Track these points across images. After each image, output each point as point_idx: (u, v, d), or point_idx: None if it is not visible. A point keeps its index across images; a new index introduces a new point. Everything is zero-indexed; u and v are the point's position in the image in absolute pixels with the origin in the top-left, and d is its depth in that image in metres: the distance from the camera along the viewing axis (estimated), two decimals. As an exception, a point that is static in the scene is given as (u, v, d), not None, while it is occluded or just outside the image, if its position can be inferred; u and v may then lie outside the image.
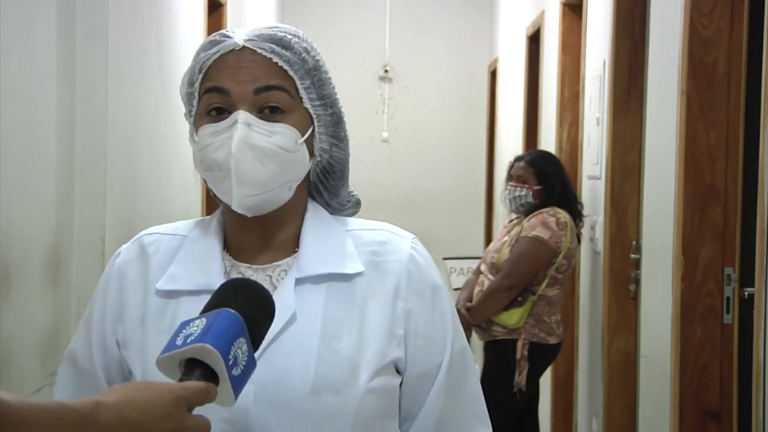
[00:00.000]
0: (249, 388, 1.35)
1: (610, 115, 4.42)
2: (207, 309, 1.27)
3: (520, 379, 4.39)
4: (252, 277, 1.46)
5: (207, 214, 6.16)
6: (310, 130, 1.46)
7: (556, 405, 5.53)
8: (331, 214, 1.54)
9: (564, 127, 5.60)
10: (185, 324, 1.24)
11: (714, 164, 3.33)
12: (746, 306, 3.12)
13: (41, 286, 3.15)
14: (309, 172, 1.50)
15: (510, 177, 4.67)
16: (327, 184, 1.53)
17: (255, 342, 1.27)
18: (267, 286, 1.44)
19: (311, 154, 1.48)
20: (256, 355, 1.34)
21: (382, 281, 1.46)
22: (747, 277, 3.14)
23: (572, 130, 5.52)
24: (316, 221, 1.50)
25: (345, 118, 1.53)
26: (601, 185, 4.60)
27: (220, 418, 1.36)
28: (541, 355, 4.49)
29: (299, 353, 1.40)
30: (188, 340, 1.21)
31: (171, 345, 1.22)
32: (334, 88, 1.49)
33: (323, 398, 1.38)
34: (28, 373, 3.02)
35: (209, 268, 1.47)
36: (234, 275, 1.47)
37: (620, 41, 4.36)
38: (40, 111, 3.15)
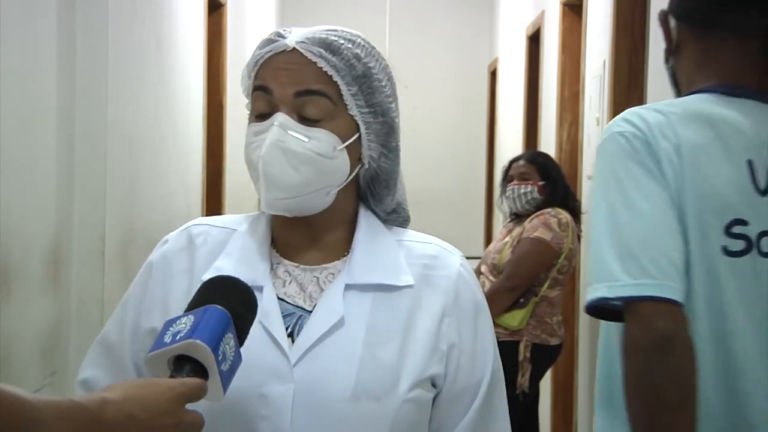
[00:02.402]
0: (289, 388, 1.37)
1: (610, 115, 4.42)
2: (192, 306, 1.28)
3: (523, 380, 4.38)
4: (299, 277, 1.46)
5: (207, 215, 6.17)
6: (355, 137, 1.45)
7: (556, 405, 5.53)
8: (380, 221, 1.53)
9: (564, 127, 5.60)
10: (171, 322, 1.25)
11: (714, 164, 3.33)
12: (746, 306, 3.11)
13: (41, 286, 3.15)
14: (358, 176, 1.49)
15: (509, 179, 4.66)
16: (373, 191, 1.52)
17: (240, 337, 1.28)
18: (313, 287, 1.45)
19: (358, 160, 1.47)
20: (299, 353, 1.37)
21: (431, 296, 1.46)
22: (747, 277, 3.14)
23: (572, 130, 5.52)
24: (368, 228, 1.50)
25: (399, 131, 1.52)
26: (601, 185, 4.59)
27: (258, 415, 1.37)
28: (543, 357, 4.48)
29: (342, 358, 1.39)
30: (177, 337, 1.22)
31: (159, 343, 1.23)
32: (388, 96, 1.48)
33: (362, 404, 1.38)
34: (28, 373, 3.02)
35: (256, 264, 1.46)
36: (280, 273, 1.47)
37: (620, 41, 4.36)
38: (40, 111, 3.15)
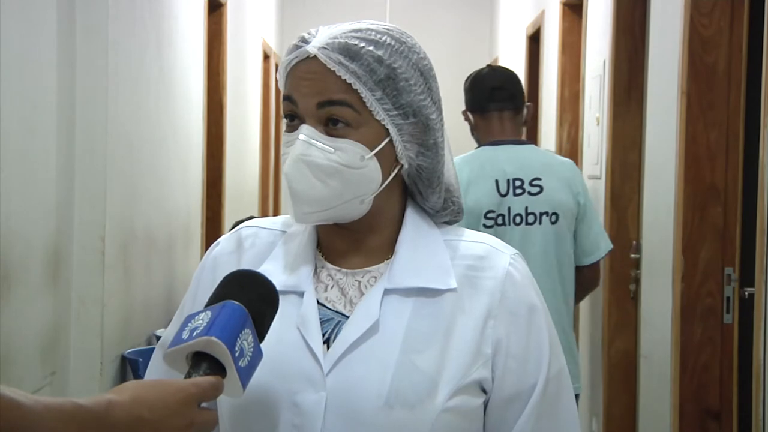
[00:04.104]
0: (321, 396, 1.34)
1: (610, 114, 4.42)
2: (211, 301, 1.27)
3: None
4: (341, 281, 1.43)
5: (207, 215, 6.15)
6: (386, 141, 1.40)
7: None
8: (430, 218, 1.48)
9: (564, 127, 5.60)
10: (191, 317, 1.25)
11: (714, 164, 3.33)
12: (746, 306, 3.12)
13: (41, 286, 3.15)
14: (401, 176, 1.44)
15: None
16: (418, 188, 1.47)
17: (260, 333, 1.27)
18: (355, 291, 1.42)
19: (395, 161, 1.41)
20: (332, 360, 1.34)
21: (474, 298, 1.40)
22: (747, 277, 3.14)
23: (572, 129, 5.52)
24: (414, 228, 1.45)
25: (438, 125, 1.46)
26: (601, 185, 4.60)
27: (290, 423, 1.35)
28: None
29: (376, 364, 1.36)
30: (194, 334, 1.21)
31: (177, 339, 1.23)
32: (420, 94, 1.42)
33: (396, 413, 1.34)
34: (28, 373, 3.02)
35: (300, 269, 1.43)
36: (323, 277, 1.44)
37: (620, 41, 4.36)
38: (40, 111, 3.15)
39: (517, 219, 3.34)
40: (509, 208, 3.32)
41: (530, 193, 3.35)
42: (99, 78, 3.52)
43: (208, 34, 5.68)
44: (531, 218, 3.34)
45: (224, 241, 1.52)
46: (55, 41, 3.21)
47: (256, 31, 7.94)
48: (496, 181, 3.34)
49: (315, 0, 9.79)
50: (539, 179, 3.37)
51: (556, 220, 3.37)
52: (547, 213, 3.36)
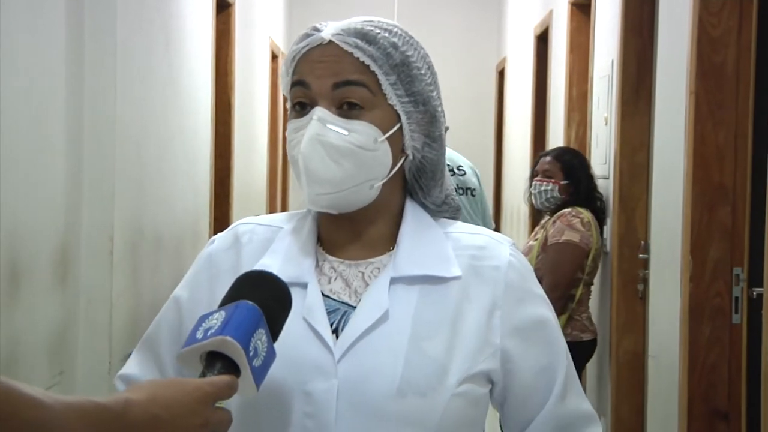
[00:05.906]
0: (333, 384, 1.35)
1: (619, 114, 4.41)
2: (225, 302, 1.27)
3: None
4: (344, 273, 1.44)
5: (215, 214, 6.15)
6: (396, 128, 1.42)
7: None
8: (429, 214, 1.51)
9: (572, 127, 5.59)
10: (204, 317, 1.25)
11: (722, 164, 3.32)
12: (755, 306, 3.11)
13: (50, 286, 3.16)
14: (404, 169, 1.47)
15: (535, 173, 4.62)
16: (421, 183, 1.49)
17: (274, 332, 1.27)
18: (359, 282, 1.43)
19: (401, 151, 1.44)
20: (343, 348, 1.35)
21: (479, 287, 1.43)
22: (755, 277, 3.14)
23: (580, 129, 5.51)
24: (415, 221, 1.47)
25: (443, 119, 1.49)
26: (609, 185, 4.59)
27: (303, 412, 1.36)
28: (577, 353, 4.41)
29: (387, 353, 1.37)
30: (208, 333, 1.21)
31: (191, 339, 1.23)
32: (429, 85, 1.45)
33: (408, 400, 1.35)
34: (36, 372, 3.03)
35: (300, 261, 1.44)
36: (326, 269, 1.45)
37: (629, 41, 4.36)
38: (49, 111, 3.15)
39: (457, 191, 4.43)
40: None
41: (459, 176, 4.28)
42: (107, 78, 3.52)
43: (216, 33, 5.68)
44: (460, 191, 4.28)
45: (220, 239, 1.53)
46: (64, 41, 3.22)
47: (264, 30, 7.95)
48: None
49: (322, 0, 9.78)
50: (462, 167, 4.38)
51: (473, 194, 4.30)
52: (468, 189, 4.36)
